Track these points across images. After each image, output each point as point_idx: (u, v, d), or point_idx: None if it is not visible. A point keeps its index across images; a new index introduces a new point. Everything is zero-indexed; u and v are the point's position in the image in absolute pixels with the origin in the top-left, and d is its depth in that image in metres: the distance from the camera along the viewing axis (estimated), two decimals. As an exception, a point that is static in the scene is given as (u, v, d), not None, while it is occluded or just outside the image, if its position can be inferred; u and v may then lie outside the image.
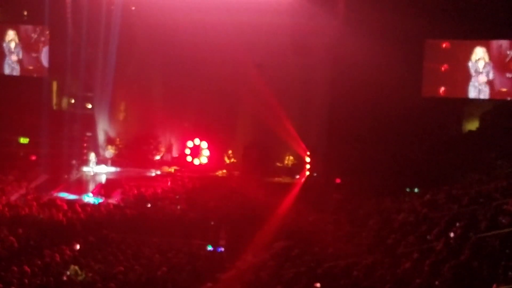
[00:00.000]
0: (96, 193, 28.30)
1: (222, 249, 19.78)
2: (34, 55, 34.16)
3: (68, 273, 16.25)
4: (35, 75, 34.21)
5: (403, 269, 15.40)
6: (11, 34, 34.21)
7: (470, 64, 30.64)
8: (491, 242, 15.25)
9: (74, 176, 31.45)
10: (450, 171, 26.23)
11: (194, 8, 30.71)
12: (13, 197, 25.86)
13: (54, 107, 35.40)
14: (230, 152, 32.38)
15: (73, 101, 35.43)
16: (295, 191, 27.74)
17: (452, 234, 16.88)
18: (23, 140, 33.72)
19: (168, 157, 33.59)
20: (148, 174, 31.59)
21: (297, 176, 31.07)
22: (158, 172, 31.98)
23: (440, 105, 30.63)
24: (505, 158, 25.75)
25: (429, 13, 28.82)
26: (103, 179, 31.12)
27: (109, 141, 33.57)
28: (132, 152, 33.21)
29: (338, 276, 15.21)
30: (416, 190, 26.38)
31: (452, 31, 29.89)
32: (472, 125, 31.34)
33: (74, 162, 31.95)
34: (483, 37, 30.29)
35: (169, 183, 29.74)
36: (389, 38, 28.70)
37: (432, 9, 28.83)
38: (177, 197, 26.77)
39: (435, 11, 28.85)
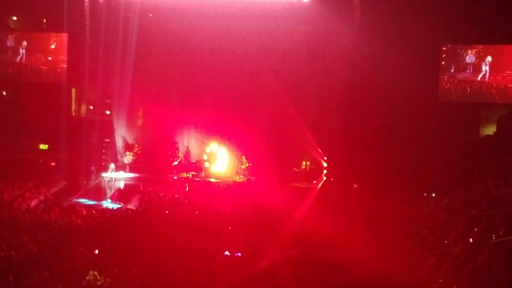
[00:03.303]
0: (114, 198, 28.46)
1: (239, 254, 19.77)
2: (52, 62, 34.41)
3: (87, 278, 16.36)
4: (52, 82, 34.41)
5: (421, 274, 15.39)
6: (29, 40, 34.55)
7: (486, 68, 30.61)
8: (509, 246, 15.22)
9: (92, 182, 31.64)
10: (467, 175, 26.13)
11: (211, 15, 30.89)
12: (32, 203, 26.06)
13: (73, 114, 35.69)
14: (244, 158, 32.42)
15: (91, 107, 35.76)
16: (312, 196, 27.76)
17: (470, 239, 16.86)
18: (43, 147, 33.99)
19: (185, 163, 33.68)
20: (166, 179, 31.68)
21: (314, 181, 31.09)
22: (176, 178, 32.08)
23: (457, 109, 30.51)
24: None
25: (446, 18, 28.77)
26: (121, 185, 31.28)
27: (127, 147, 33.74)
28: (150, 158, 33.34)
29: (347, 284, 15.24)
30: (433, 194, 26.30)
31: (468, 36, 29.82)
32: (489, 130, 31.20)
33: (93, 168, 32.16)
34: (500, 42, 30.20)
35: (186, 189, 29.82)
36: (405, 44, 28.71)
37: (449, 14, 28.77)
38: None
39: (452, 17, 28.78)
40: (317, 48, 31.42)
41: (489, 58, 30.58)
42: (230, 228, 22.52)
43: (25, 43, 34.36)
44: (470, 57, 30.81)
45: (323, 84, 31.64)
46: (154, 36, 32.74)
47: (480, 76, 30.78)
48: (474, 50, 30.79)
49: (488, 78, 30.69)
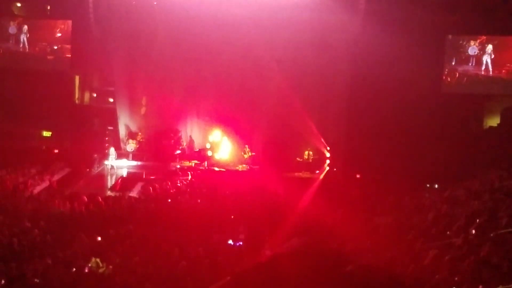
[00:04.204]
0: (117, 186, 28.50)
1: (241, 243, 19.83)
2: (55, 49, 34.39)
3: (89, 265, 16.43)
4: (56, 69, 34.37)
5: (423, 265, 15.40)
6: (33, 28, 34.52)
7: (489, 60, 30.58)
8: (511, 238, 15.23)
9: (95, 169, 31.69)
10: (470, 167, 26.16)
11: (215, 3, 30.84)
12: (35, 190, 26.13)
13: (77, 101, 35.72)
14: (246, 146, 32.42)
15: (95, 95, 35.79)
16: (315, 186, 27.80)
17: (473, 231, 16.87)
18: (46, 134, 34.06)
19: (188, 152, 33.68)
20: (169, 168, 31.71)
21: (317, 171, 31.13)
22: (179, 166, 32.09)
23: (460, 101, 30.51)
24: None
25: (450, 9, 28.71)
26: (124, 172, 31.32)
27: (130, 135, 33.73)
28: (153, 146, 33.35)
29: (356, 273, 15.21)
30: (436, 186, 26.32)
31: (473, 27, 29.77)
32: (493, 121, 31.23)
33: (95, 155, 32.18)
34: (504, 33, 30.18)
35: (189, 177, 29.86)
36: (409, 34, 28.69)
37: (454, 5, 28.71)
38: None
39: (456, 7, 28.73)
40: (321, 38, 31.26)
41: (492, 50, 30.50)
42: (232, 217, 22.59)
43: (28, 30, 34.31)
44: (472, 49, 30.67)
45: (326, 74, 31.55)
46: (158, 24, 32.63)
47: (483, 69, 30.71)
48: (478, 41, 30.70)
49: (492, 71, 30.61)
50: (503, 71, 30.68)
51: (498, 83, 30.77)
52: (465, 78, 31.00)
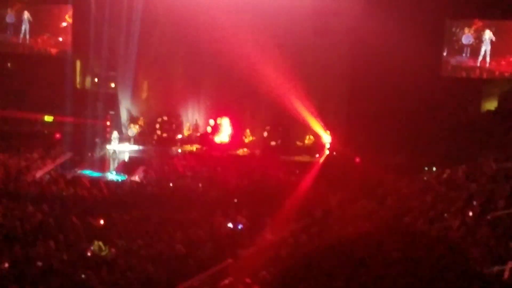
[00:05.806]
0: (119, 170, 28.66)
1: (241, 226, 20.02)
2: (57, 35, 34.43)
3: (92, 248, 16.61)
4: (57, 55, 34.40)
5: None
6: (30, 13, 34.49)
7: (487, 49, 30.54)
8: (508, 221, 15.39)
9: (97, 154, 31.82)
10: (468, 150, 26.26)
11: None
12: (38, 175, 26.29)
13: (78, 86, 35.79)
14: (247, 131, 32.54)
15: (96, 80, 35.86)
16: (315, 170, 27.95)
17: (470, 213, 17.02)
18: (48, 119, 34.14)
19: (190, 135, 33.77)
20: (170, 152, 31.85)
21: (317, 155, 31.26)
22: (180, 151, 32.23)
23: (459, 84, 30.57)
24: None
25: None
26: (126, 157, 31.46)
27: (132, 119, 33.83)
28: (154, 130, 33.46)
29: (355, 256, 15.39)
30: (434, 168, 26.45)
31: (473, 10, 29.73)
32: (491, 105, 31.27)
33: (97, 140, 32.32)
34: (506, 17, 30.14)
35: (191, 162, 29.99)
36: (409, 18, 28.65)
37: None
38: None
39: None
40: (322, 23, 31.30)
41: (490, 38, 30.31)
42: (236, 200, 22.77)
43: (29, 19, 34.22)
44: (467, 38, 30.23)
45: (327, 59, 31.56)
46: (159, 8, 32.64)
47: (480, 60, 30.52)
48: (473, 29, 30.42)
49: (489, 63, 30.43)
50: (503, 62, 30.37)
51: (496, 76, 30.66)
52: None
